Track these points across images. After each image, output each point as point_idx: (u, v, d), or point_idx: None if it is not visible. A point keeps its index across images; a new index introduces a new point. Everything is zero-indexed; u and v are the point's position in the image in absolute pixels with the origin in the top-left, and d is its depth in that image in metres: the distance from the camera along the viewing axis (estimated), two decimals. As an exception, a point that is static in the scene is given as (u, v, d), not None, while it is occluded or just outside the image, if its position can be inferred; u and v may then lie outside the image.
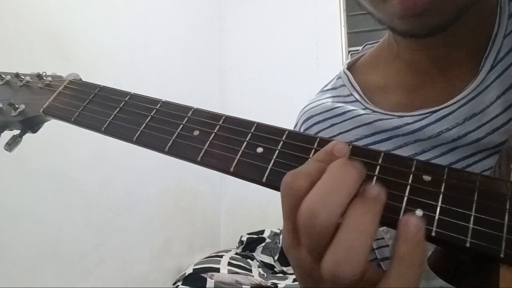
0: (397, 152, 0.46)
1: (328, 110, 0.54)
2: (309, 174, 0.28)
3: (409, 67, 0.49)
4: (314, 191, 0.26)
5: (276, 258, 2.40)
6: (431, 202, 0.27)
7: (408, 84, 0.49)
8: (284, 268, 2.36)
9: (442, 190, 0.27)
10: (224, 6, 2.98)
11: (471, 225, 0.25)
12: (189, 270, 2.07)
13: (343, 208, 0.25)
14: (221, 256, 2.27)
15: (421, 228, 0.25)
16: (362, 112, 0.50)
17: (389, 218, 0.27)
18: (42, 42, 1.46)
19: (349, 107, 0.52)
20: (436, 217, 0.26)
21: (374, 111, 0.50)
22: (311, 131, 0.54)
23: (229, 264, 2.17)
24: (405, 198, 0.27)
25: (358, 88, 0.53)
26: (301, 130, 0.56)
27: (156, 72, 2.13)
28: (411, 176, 0.28)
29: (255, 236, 2.53)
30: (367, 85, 0.54)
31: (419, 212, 0.27)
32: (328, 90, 0.58)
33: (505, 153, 0.30)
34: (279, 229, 2.55)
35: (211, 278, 1.93)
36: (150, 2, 2.15)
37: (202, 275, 1.97)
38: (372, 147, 0.47)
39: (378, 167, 0.29)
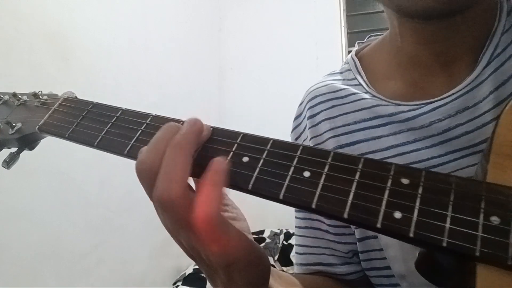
0: (391, 138, 0.48)
1: (332, 92, 0.56)
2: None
3: (412, 60, 0.50)
4: (144, 149, 0.34)
5: (276, 258, 2.40)
6: (409, 204, 0.27)
7: (410, 77, 0.50)
8: (284, 268, 2.37)
9: (420, 192, 0.28)
10: (224, 6, 2.98)
11: (447, 225, 0.26)
12: (189, 270, 2.07)
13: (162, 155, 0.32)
14: (221, 256, 2.27)
15: (222, 162, 0.32)
16: (364, 96, 0.52)
17: (369, 221, 0.28)
18: (42, 42, 1.47)
19: (353, 89, 0.54)
20: (414, 219, 0.27)
21: (374, 96, 0.51)
22: (315, 110, 0.56)
23: (229, 263, 2.17)
24: (384, 201, 0.28)
25: (363, 73, 0.55)
26: (306, 108, 0.58)
27: (155, 72, 2.14)
28: (390, 179, 0.29)
29: (255, 236, 2.53)
30: (371, 72, 0.55)
31: (397, 214, 0.27)
32: (334, 73, 0.60)
33: (485, 153, 0.31)
34: (279, 229, 2.56)
35: (211, 278, 1.94)
36: (149, 2, 2.15)
37: (202, 275, 1.98)
38: (369, 131, 0.50)
39: (358, 172, 0.30)
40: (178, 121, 0.39)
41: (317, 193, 0.30)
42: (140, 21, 2.07)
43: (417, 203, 0.27)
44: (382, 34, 0.58)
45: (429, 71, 0.48)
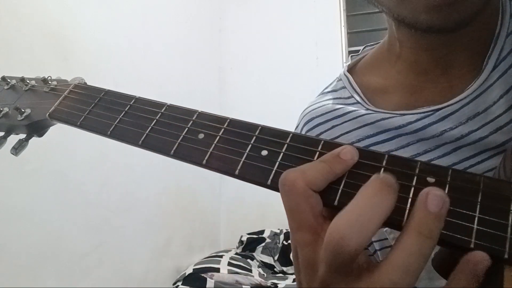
0: (400, 152, 0.46)
1: (329, 112, 0.53)
2: (302, 170, 0.28)
3: (412, 67, 0.49)
4: (342, 215, 0.25)
5: (276, 258, 2.40)
6: None
7: (410, 84, 0.49)
8: (284, 268, 2.36)
9: (446, 191, 0.27)
10: (224, 6, 2.97)
11: (475, 226, 0.26)
12: (189, 270, 2.07)
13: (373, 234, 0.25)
14: (221, 256, 2.27)
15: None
16: (364, 112, 0.50)
17: (394, 220, 0.27)
18: (42, 43, 1.46)
19: (350, 108, 0.52)
20: None
21: (375, 111, 0.49)
22: (313, 133, 0.54)
23: (229, 264, 2.17)
24: (409, 200, 0.27)
25: (358, 90, 0.53)
26: (303, 132, 0.56)
27: (156, 72, 2.13)
28: (415, 178, 0.28)
29: (255, 236, 2.53)
30: (368, 87, 0.53)
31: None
32: (328, 92, 0.58)
33: (509, 153, 0.30)
34: (279, 229, 2.55)
35: (211, 278, 1.94)
36: (150, 3, 2.15)
37: (202, 275, 1.97)
38: (374, 147, 0.47)
39: (382, 169, 0.29)
40: (193, 111, 0.38)
41: (339, 189, 0.29)
42: (140, 21, 2.06)
43: None
44: (379, 43, 0.57)
45: (430, 77, 0.47)
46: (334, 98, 0.56)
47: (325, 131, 0.53)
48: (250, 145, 0.34)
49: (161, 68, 2.18)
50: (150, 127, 0.39)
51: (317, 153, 0.31)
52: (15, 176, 1.31)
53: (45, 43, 1.47)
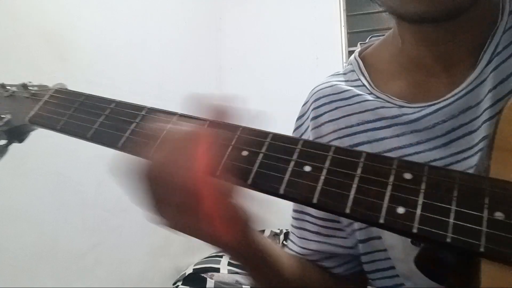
0: (394, 140, 0.47)
1: (336, 93, 0.55)
2: None
3: (413, 62, 0.50)
4: None
5: (275, 258, 2.40)
6: (412, 199, 0.27)
7: (412, 78, 0.50)
8: (284, 268, 2.36)
9: (423, 187, 0.27)
10: (223, 6, 2.97)
11: (451, 220, 0.26)
12: (189, 270, 2.07)
13: None
14: (221, 256, 2.27)
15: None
16: (367, 97, 0.52)
17: (371, 216, 0.27)
18: (40, 42, 1.46)
19: (356, 91, 0.54)
20: (418, 214, 0.26)
21: (378, 97, 0.51)
22: (319, 111, 0.56)
23: (229, 264, 2.17)
24: (387, 196, 0.27)
25: (366, 74, 0.55)
26: (310, 109, 0.58)
27: (154, 72, 2.13)
28: (393, 174, 0.28)
29: (254, 236, 2.52)
30: (374, 72, 0.55)
31: (401, 210, 0.27)
32: (338, 74, 0.60)
33: (485, 151, 0.30)
34: (279, 229, 2.55)
35: (211, 278, 1.94)
36: (148, 2, 2.15)
37: (202, 275, 1.97)
38: (371, 133, 0.49)
39: (360, 166, 0.29)
40: (172, 113, 0.39)
41: (319, 187, 0.29)
42: (138, 21, 2.06)
43: (421, 198, 0.27)
44: (384, 35, 0.58)
45: (431, 73, 0.48)
46: (342, 81, 0.58)
47: (329, 111, 0.55)
48: (230, 147, 0.34)
49: (160, 68, 2.19)
50: (130, 130, 0.39)
51: (298, 150, 0.32)
52: (12, 176, 1.31)
53: (42, 44, 1.47)
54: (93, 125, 0.41)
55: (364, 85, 0.54)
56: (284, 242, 2.43)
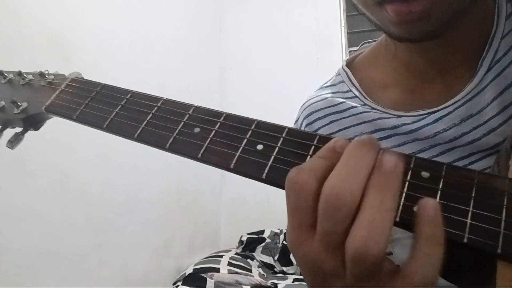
0: (396, 150, 0.46)
1: (328, 107, 0.54)
2: (313, 169, 0.28)
3: (407, 67, 0.49)
4: (334, 175, 0.27)
5: (276, 258, 2.40)
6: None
7: (407, 84, 0.49)
8: (284, 268, 2.36)
9: (440, 186, 0.27)
10: (224, 6, 2.98)
11: (468, 221, 0.26)
12: (189, 270, 2.07)
13: (364, 186, 0.26)
14: (221, 256, 2.26)
15: (438, 208, 0.25)
16: (362, 109, 0.50)
17: None
18: (42, 43, 1.46)
19: (350, 103, 0.52)
20: None
21: (373, 108, 0.50)
22: (313, 127, 0.54)
23: (229, 264, 2.17)
24: (404, 194, 0.27)
25: (357, 84, 0.53)
26: (303, 126, 0.56)
27: (156, 72, 2.13)
28: (410, 172, 0.28)
29: (255, 236, 2.52)
30: (366, 82, 0.54)
31: (417, 208, 0.27)
32: (327, 86, 0.58)
33: (503, 152, 0.30)
34: (279, 229, 2.55)
35: (211, 278, 1.93)
36: (150, 3, 2.15)
37: (202, 275, 1.97)
38: None
39: None
40: (190, 106, 0.38)
41: None
42: (140, 22, 2.06)
43: (438, 197, 0.27)
44: (376, 40, 0.57)
45: (425, 78, 0.48)
46: (333, 92, 0.56)
47: (324, 125, 0.53)
48: (245, 139, 0.34)
49: (161, 68, 2.19)
50: (146, 121, 0.39)
51: (313, 147, 0.32)
52: (17, 176, 1.31)
53: (46, 44, 1.47)
54: (109, 115, 0.41)
55: (356, 97, 0.52)
56: (284, 242, 2.43)
